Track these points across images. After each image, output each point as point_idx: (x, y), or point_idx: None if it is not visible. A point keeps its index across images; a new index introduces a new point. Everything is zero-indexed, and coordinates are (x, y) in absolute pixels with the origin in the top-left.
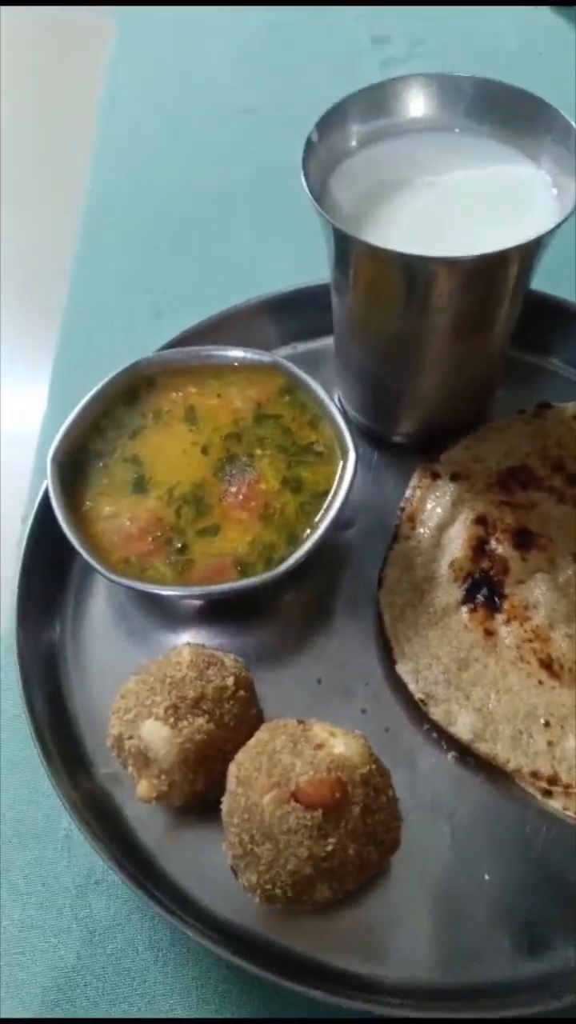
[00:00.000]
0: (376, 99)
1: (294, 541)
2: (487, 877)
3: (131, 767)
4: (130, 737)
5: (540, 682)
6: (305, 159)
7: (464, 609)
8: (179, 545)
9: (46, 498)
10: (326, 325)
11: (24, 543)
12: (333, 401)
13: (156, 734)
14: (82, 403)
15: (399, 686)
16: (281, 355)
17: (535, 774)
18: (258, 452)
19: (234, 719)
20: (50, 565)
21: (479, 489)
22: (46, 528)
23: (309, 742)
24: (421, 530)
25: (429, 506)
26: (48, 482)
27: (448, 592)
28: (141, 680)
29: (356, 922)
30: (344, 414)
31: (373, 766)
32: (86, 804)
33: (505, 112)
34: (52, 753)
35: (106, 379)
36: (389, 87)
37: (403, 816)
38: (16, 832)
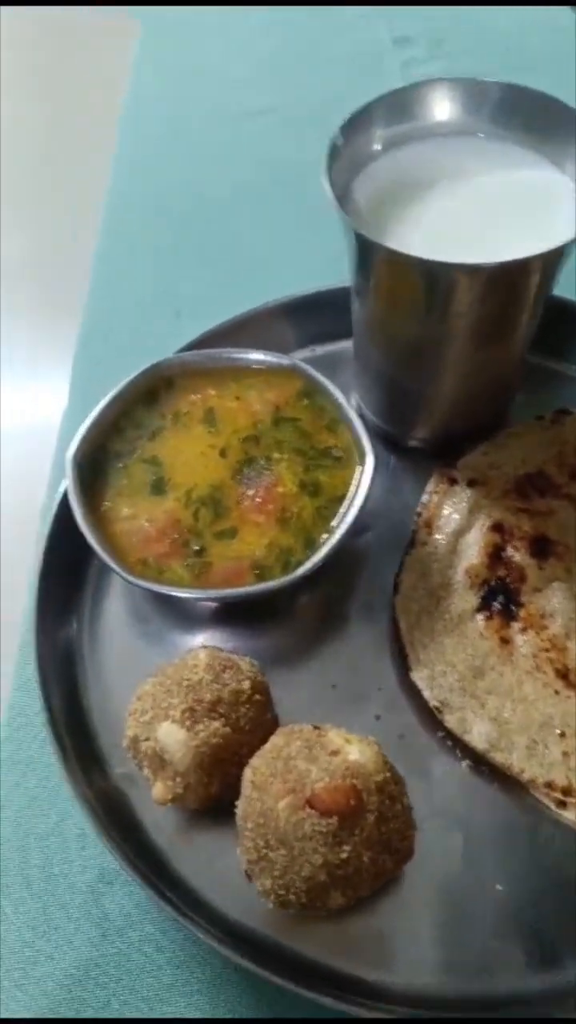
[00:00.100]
0: (401, 103)
1: (311, 545)
2: (499, 887)
3: (146, 769)
4: (146, 739)
5: (556, 692)
6: (329, 162)
7: (480, 617)
8: (196, 547)
9: (65, 498)
10: (344, 328)
11: (42, 542)
12: (351, 405)
13: (172, 737)
14: (102, 403)
15: (413, 693)
16: (299, 358)
17: (550, 784)
18: (276, 455)
19: (250, 723)
20: (67, 564)
21: (496, 496)
22: (64, 528)
23: (324, 748)
24: (438, 536)
25: (446, 512)
26: (68, 482)
27: (464, 599)
28: (158, 682)
29: (367, 928)
30: (361, 418)
31: (388, 774)
32: (100, 803)
33: (530, 117)
34: (68, 751)
35: (126, 380)
36: (414, 91)
37: (416, 824)
38: (30, 830)
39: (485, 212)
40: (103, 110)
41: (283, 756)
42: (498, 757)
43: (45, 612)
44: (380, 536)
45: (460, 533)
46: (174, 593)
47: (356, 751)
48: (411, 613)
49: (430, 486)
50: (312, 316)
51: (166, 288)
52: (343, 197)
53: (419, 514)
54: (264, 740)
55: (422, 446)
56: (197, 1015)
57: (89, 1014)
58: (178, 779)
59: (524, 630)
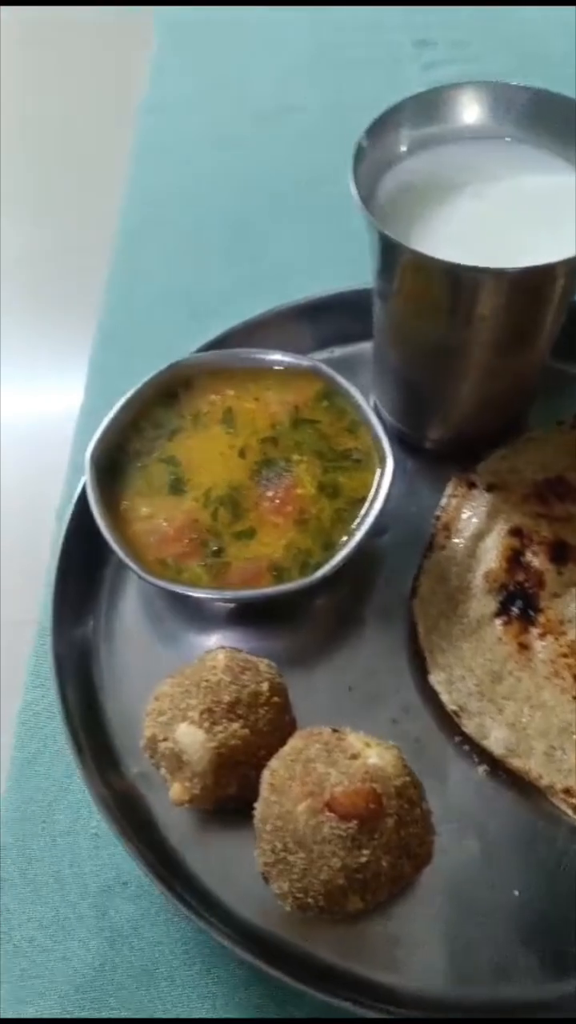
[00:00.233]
0: (428, 105)
1: (330, 547)
2: (516, 893)
3: (164, 769)
4: (164, 739)
5: (574, 698)
6: (355, 164)
7: (498, 621)
8: (215, 548)
9: (83, 496)
10: (363, 330)
11: (61, 541)
12: (370, 407)
13: (191, 737)
14: (121, 402)
15: (430, 697)
16: (318, 359)
17: (568, 791)
18: (295, 457)
19: (268, 725)
20: (85, 563)
21: (515, 500)
22: (82, 526)
23: (344, 751)
24: (456, 540)
25: (465, 516)
26: (86, 481)
27: (482, 603)
28: (176, 683)
29: (382, 932)
30: (380, 420)
31: (407, 778)
32: (116, 803)
33: (557, 122)
34: (84, 750)
35: (145, 379)
36: (441, 93)
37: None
38: (44, 830)
39: (511, 216)
40: (123, 109)
41: (302, 759)
42: (516, 763)
43: (62, 611)
44: (397, 539)
45: (479, 537)
46: (192, 593)
47: (376, 755)
48: (429, 617)
49: (449, 489)
50: (331, 317)
51: (184, 287)
52: (368, 198)
53: (438, 517)
54: (282, 742)
55: (440, 449)
56: (210, 1015)
57: (102, 1014)
58: (195, 780)
59: (543, 635)
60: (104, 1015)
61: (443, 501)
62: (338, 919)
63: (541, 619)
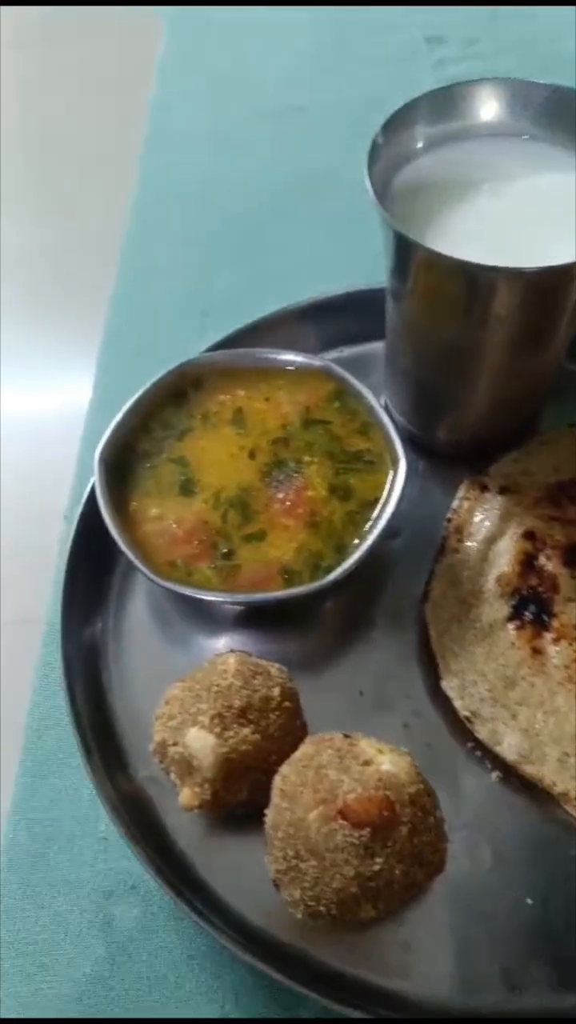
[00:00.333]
0: (444, 101)
1: (341, 550)
2: (529, 901)
3: (173, 774)
4: (174, 744)
5: None
6: (370, 161)
7: (511, 626)
8: (225, 550)
9: (92, 497)
10: (374, 330)
11: (69, 542)
12: (381, 408)
13: (201, 742)
14: (130, 402)
15: (441, 701)
16: (328, 358)
17: None
18: (306, 458)
19: (279, 730)
20: (94, 564)
21: (528, 503)
22: (91, 527)
23: (356, 758)
24: (469, 543)
25: (477, 519)
26: (96, 481)
27: (495, 608)
28: (186, 687)
29: (392, 939)
30: (392, 421)
31: (421, 785)
32: (125, 805)
33: (574, 120)
34: (92, 751)
35: (154, 379)
36: (457, 90)
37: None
38: (53, 834)
39: (527, 215)
40: (132, 109)
41: (314, 765)
42: (529, 769)
43: (71, 612)
44: (408, 542)
45: (491, 541)
46: (202, 596)
47: (389, 762)
48: (441, 621)
49: (461, 492)
50: (342, 317)
51: (193, 286)
52: (383, 195)
53: (449, 520)
54: (293, 748)
55: (452, 451)
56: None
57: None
58: (206, 785)
59: (556, 640)
60: (111, 1017)
61: (455, 504)
62: (350, 927)
63: (555, 624)
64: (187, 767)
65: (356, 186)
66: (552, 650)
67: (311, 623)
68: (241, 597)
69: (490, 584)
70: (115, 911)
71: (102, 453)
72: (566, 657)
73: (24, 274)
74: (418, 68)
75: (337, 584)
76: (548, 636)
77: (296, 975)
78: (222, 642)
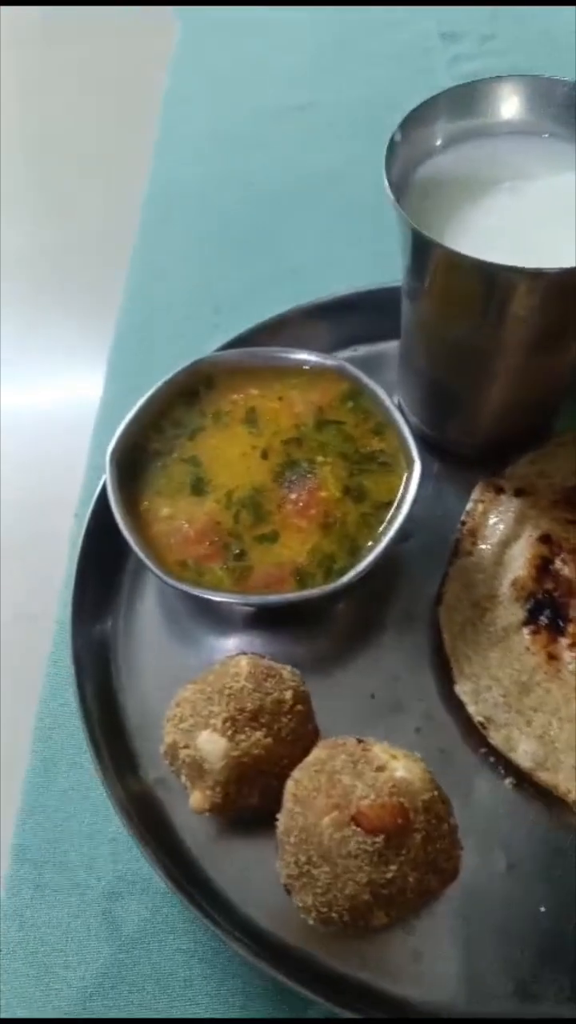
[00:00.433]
0: (464, 99)
1: (355, 552)
2: (542, 909)
3: (184, 776)
4: (185, 746)
5: None
6: (388, 158)
7: (526, 631)
8: (237, 551)
9: (102, 496)
10: (387, 329)
11: (80, 541)
12: (396, 408)
13: (213, 745)
14: (142, 400)
15: (454, 706)
16: (342, 358)
17: None
18: (319, 459)
19: (291, 734)
20: (103, 564)
21: (544, 506)
22: (101, 526)
23: (369, 763)
24: (483, 546)
25: (492, 521)
26: (106, 480)
27: (510, 612)
28: (198, 689)
29: (404, 946)
30: (406, 422)
31: (435, 792)
32: (134, 806)
33: None
34: (102, 751)
35: (166, 377)
36: (477, 87)
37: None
38: (62, 834)
39: (548, 215)
40: (144, 107)
41: (327, 770)
42: (544, 776)
43: (81, 611)
44: (422, 544)
45: (506, 544)
46: (214, 597)
47: (402, 768)
48: (455, 624)
49: (476, 494)
50: (355, 316)
51: (204, 284)
52: (400, 193)
53: (464, 523)
54: (305, 751)
55: (466, 452)
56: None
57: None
58: (217, 788)
59: (572, 646)
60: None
61: (469, 506)
62: (360, 934)
63: (571, 629)
64: (198, 770)
65: (371, 183)
66: (568, 655)
67: (323, 625)
68: (253, 598)
69: (505, 588)
70: (123, 912)
71: (113, 452)
72: None
73: (32, 273)
74: (434, 64)
75: (350, 586)
76: (564, 641)
77: (304, 979)
78: (233, 643)
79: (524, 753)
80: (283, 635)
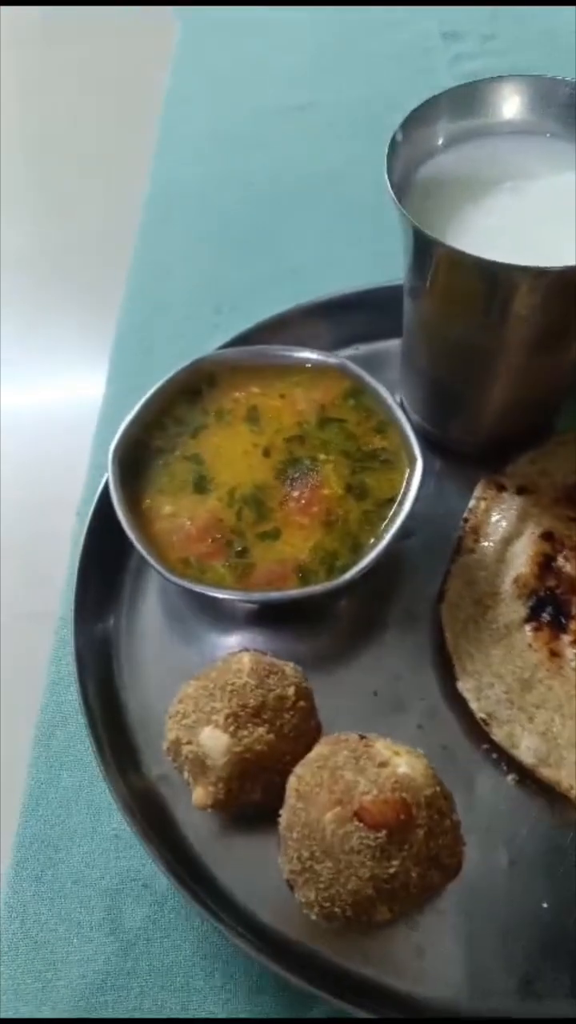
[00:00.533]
0: (466, 98)
1: (357, 549)
2: (544, 905)
3: (187, 773)
4: (188, 743)
5: None
6: (389, 157)
7: (528, 628)
8: (239, 548)
9: (104, 494)
10: (388, 328)
11: (82, 539)
12: (397, 406)
13: (215, 742)
14: (144, 398)
15: (456, 703)
16: (343, 356)
17: None
18: (322, 457)
19: (294, 730)
20: (106, 562)
21: (546, 504)
22: (103, 524)
23: (372, 759)
24: (485, 543)
25: (494, 519)
26: (109, 478)
27: (512, 609)
28: (201, 685)
29: (406, 942)
30: (408, 420)
31: (437, 788)
32: (137, 803)
33: None
34: (105, 748)
35: (169, 375)
36: (478, 87)
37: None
38: (64, 830)
39: (550, 214)
40: (145, 107)
41: (329, 766)
42: (546, 773)
43: (83, 609)
44: (424, 542)
45: (508, 541)
46: (216, 594)
47: (405, 764)
48: (457, 621)
49: (478, 492)
50: (356, 314)
51: (205, 284)
52: (402, 192)
53: (466, 520)
54: (308, 748)
55: (468, 450)
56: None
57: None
58: (219, 785)
59: (574, 643)
60: (120, 1016)
61: (471, 503)
62: (363, 929)
63: (573, 626)
64: (201, 766)
65: (372, 182)
66: (570, 652)
67: (325, 622)
68: (256, 596)
69: (507, 585)
70: (126, 909)
71: (115, 450)
72: None
73: (32, 272)
74: (435, 64)
75: (352, 583)
76: (566, 638)
77: (307, 974)
78: (235, 640)
79: (526, 749)
80: (285, 632)
